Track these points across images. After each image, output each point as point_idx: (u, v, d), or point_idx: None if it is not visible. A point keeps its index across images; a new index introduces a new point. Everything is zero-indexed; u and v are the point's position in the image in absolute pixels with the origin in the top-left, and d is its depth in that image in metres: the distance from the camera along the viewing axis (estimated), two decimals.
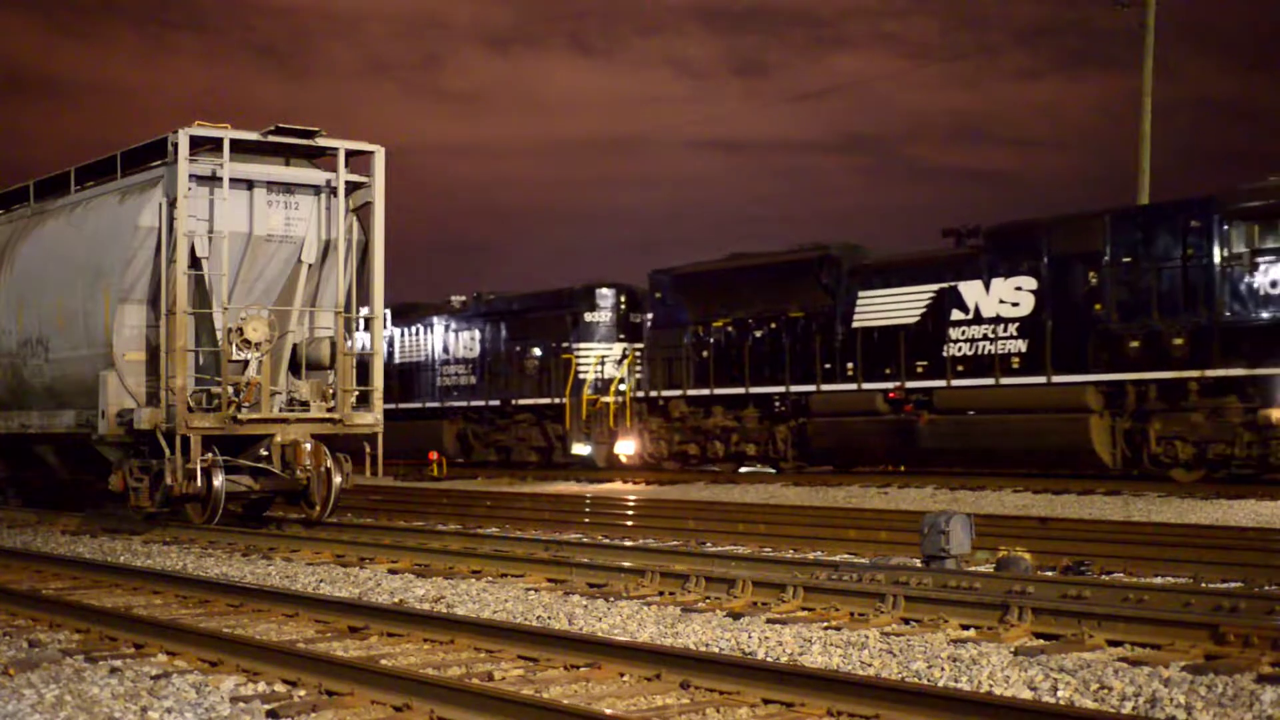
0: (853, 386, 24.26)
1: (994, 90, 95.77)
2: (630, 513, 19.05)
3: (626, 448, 28.36)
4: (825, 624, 9.26)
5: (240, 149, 16.93)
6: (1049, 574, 11.57)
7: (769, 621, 9.39)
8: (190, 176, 16.34)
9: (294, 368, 17.49)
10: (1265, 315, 19.43)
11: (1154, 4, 31.24)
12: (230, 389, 16.25)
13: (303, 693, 7.27)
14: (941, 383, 22.97)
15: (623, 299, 30.08)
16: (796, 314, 25.37)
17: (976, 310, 22.68)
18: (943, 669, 7.67)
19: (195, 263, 16.56)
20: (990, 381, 22.33)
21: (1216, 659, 7.77)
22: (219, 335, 16.61)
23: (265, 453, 16.61)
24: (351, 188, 17.55)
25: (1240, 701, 6.77)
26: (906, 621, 9.34)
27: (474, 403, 32.05)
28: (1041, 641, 8.52)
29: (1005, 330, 22.26)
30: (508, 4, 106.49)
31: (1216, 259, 19.85)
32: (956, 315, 22.92)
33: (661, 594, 10.75)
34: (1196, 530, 14.43)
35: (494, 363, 31.58)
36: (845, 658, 8.09)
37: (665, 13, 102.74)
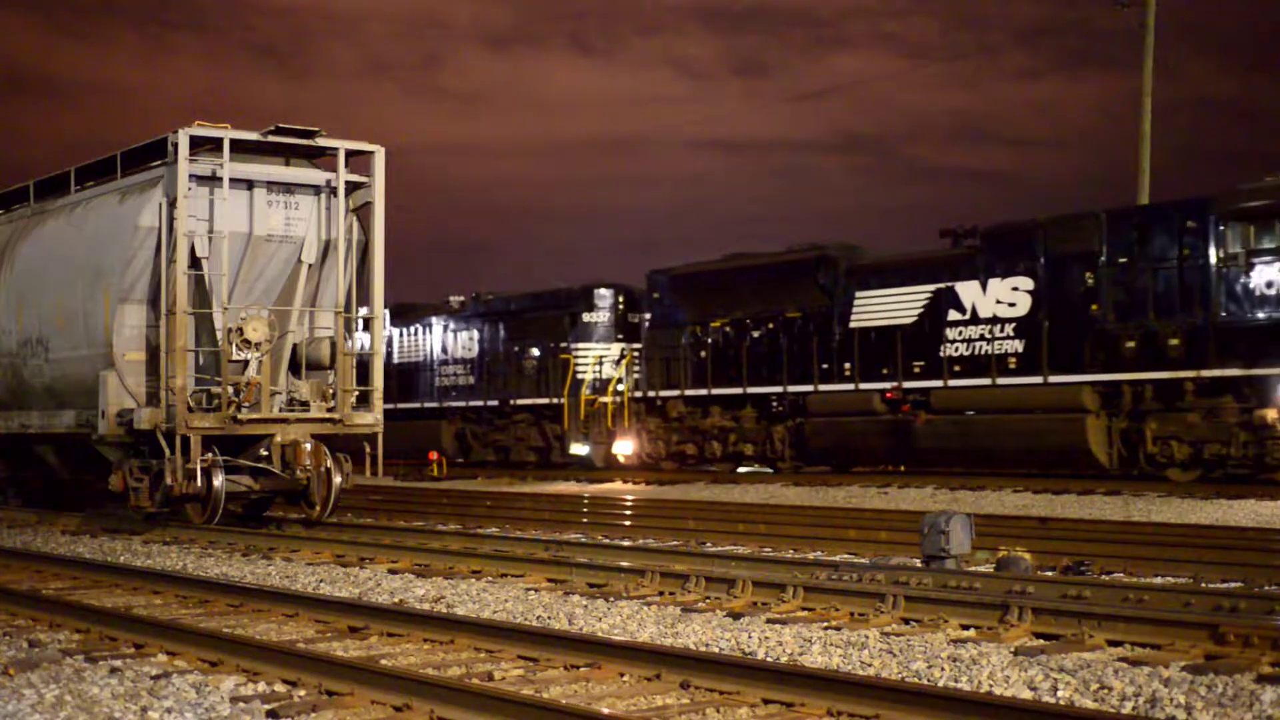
0: (850, 387, 24.28)
1: (994, 90, 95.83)
2: (630, 513, 19.05)
3: (624, 448, 28.38)
4: (825, 624, 9.26)
5: (240, 149, 16.93)
6: (1049, 574, 11.57)
7: (769, 621, 9.39)
8: (190, 176, 16.34)
9: (294, 368, 17.49)
10: (1261, 316, 19.44)
11: (1154, 4, 31.25)
12: (230, 389, 16.25)
13: (303, 693, 7.28)
14: (938, 383, 22.99)
15: (621, 299, 30.10)
16: (794, 314, 25.38)
17: (973, 310, 22.70)
18: (943, 669, 7.67)
19: (195, 263, 16.57)
20: (987, 382, 22.35)
21: (1216, 659, 7.77)
22: (219, 335, 16.61)
23: (265, 453, 16.62)
24: (351, 188, 17.55)
25: (1240, 701, 6.77)
26: (906, 621, 9.34)
27: (472, 403, 32.07)
28: (1041, 641, 8.52)
29: (1002, 330, 22.29)
30: (508, 4, 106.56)
31: (1212, 259, 19.87)
32: (953, 315, 22.94)
33: (661, 594, 10.75)
34: (1196, 530, 14.43)
35: (492, 363, 31.59)
36: (845, 658, 8.09)
37: (665, 13, 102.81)
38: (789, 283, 25.49)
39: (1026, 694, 7.09)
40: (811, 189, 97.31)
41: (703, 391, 26.83)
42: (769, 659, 8.09)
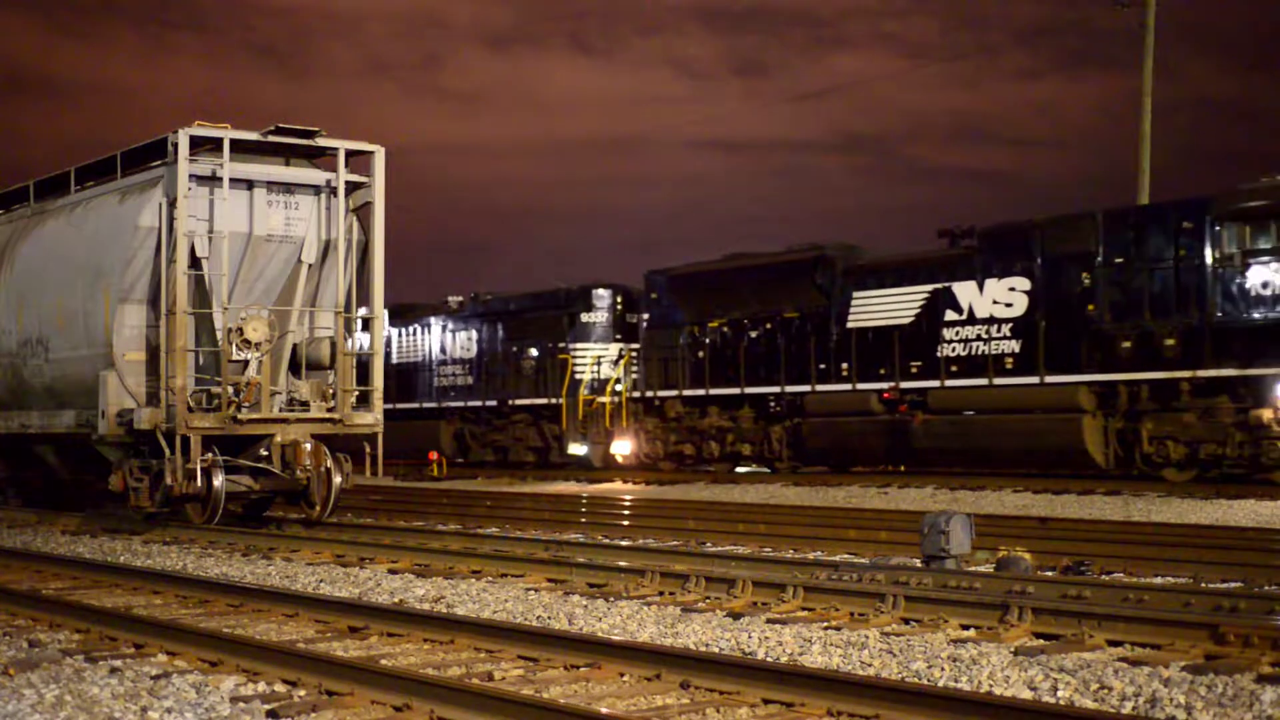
0: (847, 387, 24.30)
1: (994, 90, 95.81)
2: (630, 513, 19.05)
3: (622, 448, 28.39)
4: (825, 624, 9.26)
5: (240, 149, 16.93)
6: (1049, 574, 11.57)
7: (769, 621, 9.39)
8: (190, 176, 16.34)
9: (294, 368, 17.49)
10: (1256, 316, 19.48)
11: (1154, 4, 31.25)
12: (230, 389, 16.25)
13: (303, 693, 7.28)
14: (935, 383, 23.01)
15: (619, 299, 30.11)
16: (792, 314, 25.40)
17: (970, 311, 22.73)
18: (943, 669, 7.67)
19: (195, 263, 16.57)
20: (984, 382, 22.37)
21: (1216, 659, 7.77)
22: (219, 335, 16.61)
23: (265, 453, 16.62)
24: (351, 188, 17.55)
25: (1240, 701, 6.77)
26: (906, 621, 9.34)
27: (471, 403, 32.08)
28: (1041, 641, 8.52)
29: (999, 331, 22.31)
30: (508, 4, 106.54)
31: (1208, 260, 19.90)
32: (950, 316, 22.97)
33: (661, 594, 10.76)
34: (1196, 530, 14.44)
35: (491, 363, 31.61)
36: (845, 658, 8.09)
37: (665, 13, 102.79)
38: (787, 283, 25.50)
39: (1026, 694, 7.09)
40: (811, 189, 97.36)
41: (700, 392, 26.84)
42: (769, 659, 8.09)
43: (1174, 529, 14.66)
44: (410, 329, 33.78)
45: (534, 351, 30.50)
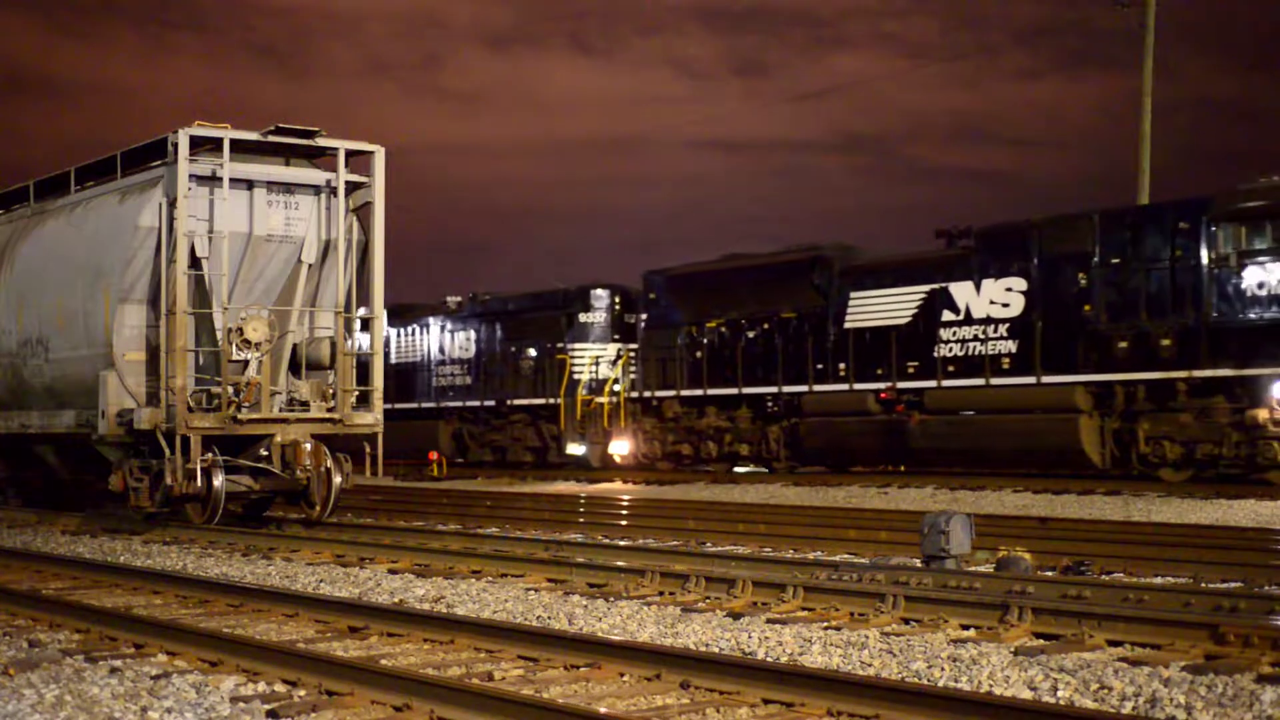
0: (845, 387, 24.33)
1: (994, 90, 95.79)
2: (630, 513, 19.05)
3: (621, 448, 28.41)
4: (825, 624, 9.26)
5: (240, 149, 16.93)
6: (1049, 574, 11.57)
7: (769, 621, 9.39)
8: (190, 176, 16.34)
9: (294, 368, 17.49)
10: (1252, 316, 19.50)
11: (1154, 4, 31.26)
12: (230, 389, 16.25)
13: (303, 693, 7.28)
14: (932, 383, 23.03)
15: (617, 299, 30.11)
16: (789, 314, 25.42)
17: (967, 311, 22.75)
18: (943, 669, 7.67)
19: (195, 263, 16.57)
20: (980, 382, 22.39)
21: (1216, 659, 7.77)
22: (219, 335, 16.61)
23: (265, 453, 16.61)
24: (351, 188, 17.55)
25: (1240, 701, 6.77)
26: (906, 621, 9.34)
27: (469, 403, 32.09)
28: (1041, 641, 8.52)
29: (995, 331, 22.34)
30: (508, 4, 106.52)
31: (1204, 260, 19.92)
32: (947, 316, 22.99)
33: (661, 594, 10.76)
34: (1196, 530, 14.44)
35: (489, 363, 31.62)
36: (845, 658, 8.10)
37: (665, 13, 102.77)
38: (784, 283, 25.52)
39: (1026, 694, 7.09)
40: (811, 189, 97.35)
41: (698, 392, 26.86)
42: (769, 659, 8.09)
43: (1174, 529, 14.67)
44: (409, 329, 33.79)
45: (532, 352, 30.52)
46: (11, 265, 19.36)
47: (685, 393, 27.12)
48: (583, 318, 30.01)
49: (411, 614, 9.40)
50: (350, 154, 17.48)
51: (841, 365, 24.40)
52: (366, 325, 18.48)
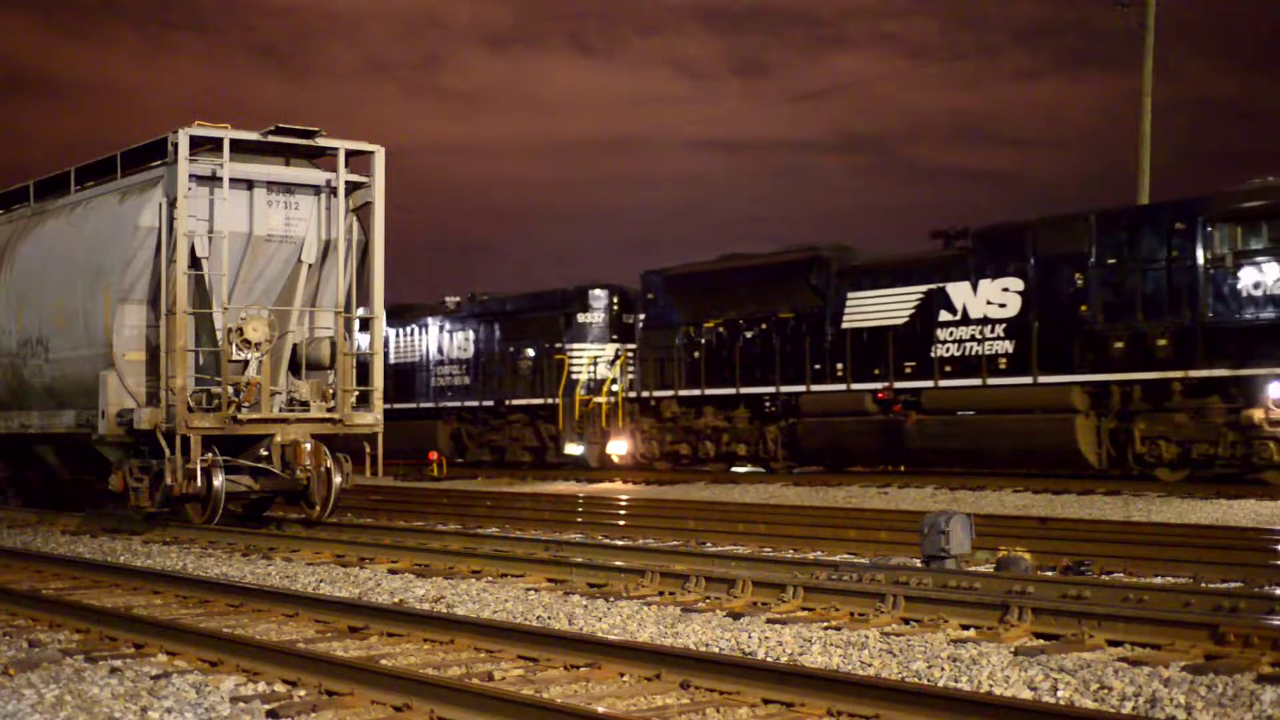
0: (842, 387, 24.35)
1: (994, 90, 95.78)
2: (629, 513, 19.05)
3: (619, 448, 28.41)
4: (825, 624, 9.26)
5: (240, 149, 16.93)
6: (1049, 574, 11.57)
7: (769, 621, 9.39)
8: (190, 176, 16.35)
9: (294, 368, 17.49)
10: (1248, 316, 19.52)
11: (1154, 4, 31.26)
12: (230, 389, 16.25)
13: (303, 693, 7.28)
14: (929, 383, 23.05)
15: (615, 300, 30.12)
16: (787, 315, 25.44)
17: (964, 311, 22.76)
18: (943, 669, 7.67)
19: (195, 263, 16.57)
20: (977, 382, 22.41)
21: (1216, 659, 7.77)
22: (219, 335, 16.61)
23: (265, 453, 16.62)
24: (351, 188, 17.55)
25: (1240, 701, 6.77)
26: (906, 621, 9.34)
27: (468, 403, 32.09)
28: (1041, 641, 8.52)
29: (992, 331, 22.35)
30: (508, 4, 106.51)
31: (1200, 260, 19.93)
32: (944, 316, 23.01)
33: (661, 594, 10.76)
34: (1196, 530, 14.44)
35: (488, 363, 31.63)
36: (845, 658, 8.10)
37: (665, 13, 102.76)
38: (782, 283, 25.54)
39: (1026, 694, 7.09)
40: (811, 189, 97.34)
41: (696, 392, 26.88)
42: (769, 659, 8.09)
43: (1174, 529, 14.66)
44: (407, 329, 33.79)
45: (530, 352, 30.52)
46: (11, 265, 19.37)
47: (683, 393, 27.13)
48: (581, 318, 30.01)
49: (411, 614, 9.40)
50: (350, 154, 17.49)
51: (839, 365, 24.42)
52: (366, 325, 18.48)
